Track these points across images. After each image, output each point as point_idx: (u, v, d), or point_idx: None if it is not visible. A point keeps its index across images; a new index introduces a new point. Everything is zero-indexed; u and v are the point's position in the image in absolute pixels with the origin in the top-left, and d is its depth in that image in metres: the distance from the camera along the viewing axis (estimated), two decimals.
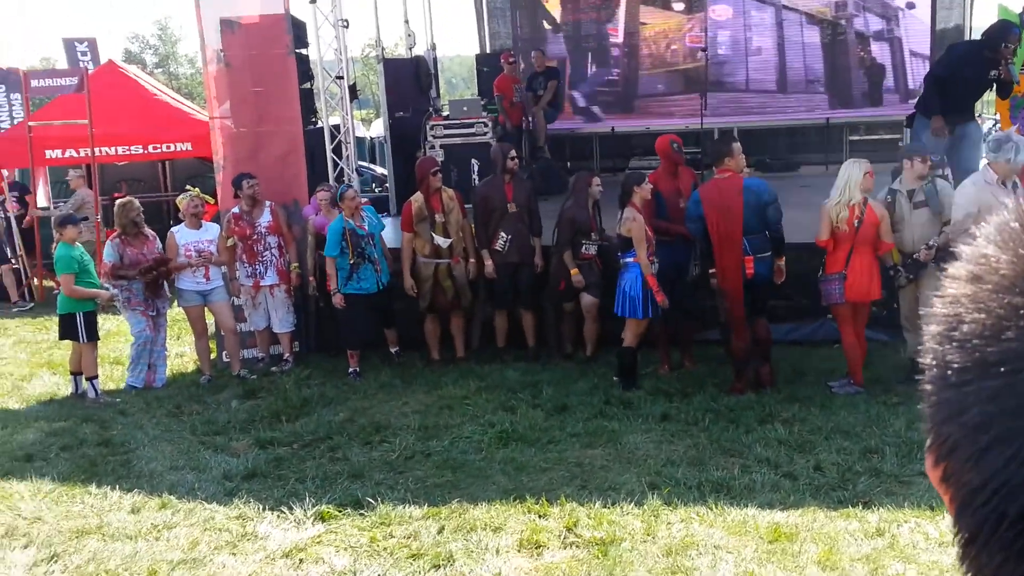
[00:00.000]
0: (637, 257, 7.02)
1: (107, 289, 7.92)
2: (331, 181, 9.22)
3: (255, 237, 8.28)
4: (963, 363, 0.50)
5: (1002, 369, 0.48)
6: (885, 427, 6.04)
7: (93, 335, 7.89)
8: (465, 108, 11.14)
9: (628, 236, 7.05)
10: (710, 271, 7.03)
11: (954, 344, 0.51)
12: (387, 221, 10.58)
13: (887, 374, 7.01)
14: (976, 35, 12.42)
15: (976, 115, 8.99)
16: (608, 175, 11.21)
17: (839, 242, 6.66)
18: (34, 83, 12.27)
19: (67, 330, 7.85)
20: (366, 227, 7.95)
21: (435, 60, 13.08)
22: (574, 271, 7.62)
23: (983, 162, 7.08)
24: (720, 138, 7.40)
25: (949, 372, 0.51)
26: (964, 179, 7.01)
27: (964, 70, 8.14)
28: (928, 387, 0.53)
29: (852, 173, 6.72)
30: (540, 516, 5.13)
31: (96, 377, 7.91)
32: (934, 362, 0.53)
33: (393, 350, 8.31)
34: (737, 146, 7.07)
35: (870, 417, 6.25)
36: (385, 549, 4.89)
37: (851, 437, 5.93)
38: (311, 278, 8.37)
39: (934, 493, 0.74)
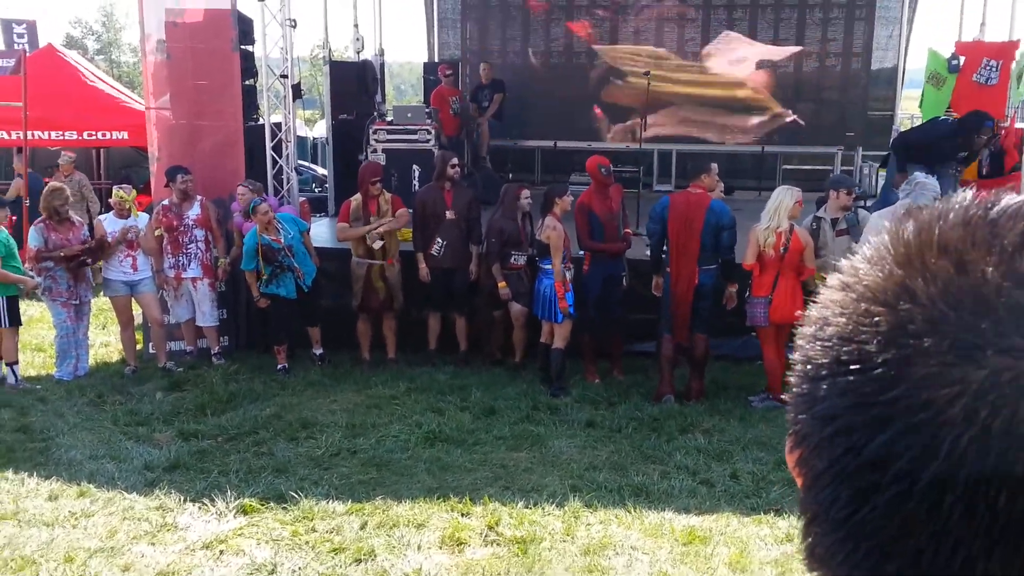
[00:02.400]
0: (552, 263, 7.24)
1: (32, 277, 7.77)
2: (269, 178, 9.20)
3: (182, 229, 8.21)
4: (822, 360, 0.55)
5: (851, 367, 0.53)
6: None
7: (15, 320, 7.74)
8: (409, 114, 11.19)
9: (547, 243, 7.26)
10: (654, 278, 7.27)
11: (818, 343, 0.56)
12: (324, 222, 10.59)
13: None
14: (909, 76, 12.96)
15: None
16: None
17: (766, 266, 6.90)
18: None
19: None
20: (282, 240, 7.87)
21: (382, 65, 13.11)
22: (501, 283, 7.74)
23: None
24: (698, 158, 7.75)
25: (810, 367, 0.56)
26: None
27: (935, 147, 8.46)
28: (793, 380, 0.58)
29: (784, 200, 6.95)
30: (463, 515, 5.20)
31: (16, 363, 7.75)
32: (801, 358, 0.58)
33: (317, 351, 8.29)
34: (714, 167, 7.41)
35: (786, 430, 6.44)
36: (307, 543, 4.91)
37: (767, 448, 6.12)
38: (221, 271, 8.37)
39: None
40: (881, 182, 11.10)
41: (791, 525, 4.94)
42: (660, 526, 4.98)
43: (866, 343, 0.53)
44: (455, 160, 8.34)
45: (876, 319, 0.53)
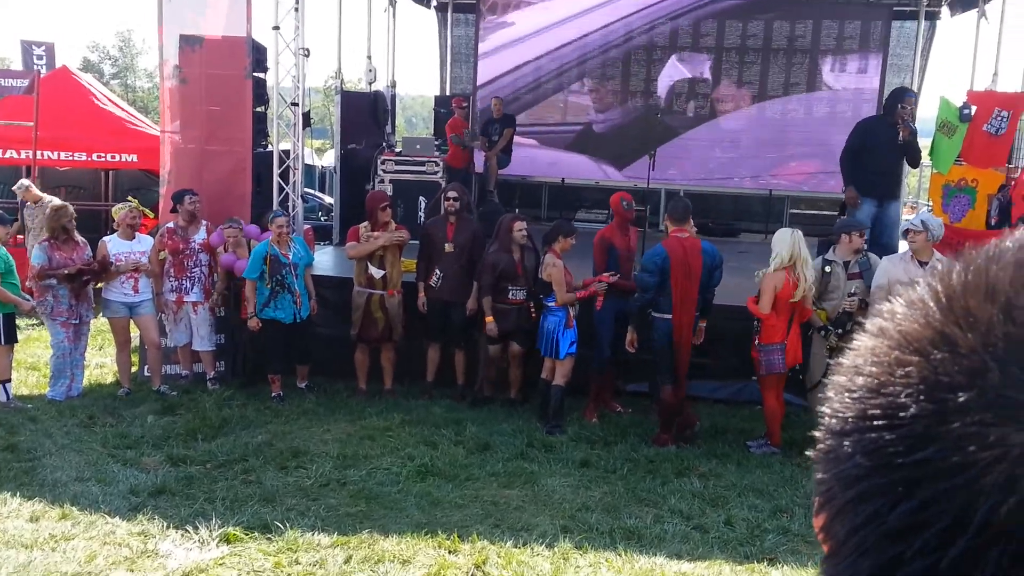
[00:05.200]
0: (557, 300, 7.15)
1: (27, 299, 7.71)
2: (275, 205, 9.18)
3: (187, 252, 8.20)
4: (849, 414, 0.51)
5: (878, 422, 0.48)
6: (797, 488, 6.13)
7: (11, 338, 7.70)
8: (418, 146, 11.22)
9: (548, 280, 7.19)
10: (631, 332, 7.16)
11: (846, 394, 0.52)
12: (328, 250, 10.57)
13: (802, 437, 7.13)
14: (921, 126, 12.95)
15: (899, 197, 9.39)
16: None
17: (779, 312, 6.76)
18: None
19: None
20: (290, 256, 7.88)
21: (394, 97, 13.17)
22: (488, 318, 7.61)
23: (903, 242, 7.38)
24: (679, 198, 7.62)
25: (836, 421, 0.52)
26: (878, 254, 7.30)
27: (870, 139, 8.72)
28: (820, 434, 0.54)
29: (796, 241, 6.85)
30: (450, 552, 5.09)
31: (8, 381, 7.70)
32: (828, 410, 0.53)
33: (302, 385, 8.20)
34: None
35: (784, 477, 6.33)
36: (289, 575, 4.80)
37: (764, 495, 6.00)
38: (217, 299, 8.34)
39: None
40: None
41: (784, 575, 4.81)
42: (651, 571, 4.86)
43: (896, 396, 0.47)
44: (451, 192, 8.28)
45: (908, 369, 0.48)
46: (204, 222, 8.31)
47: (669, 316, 6.96)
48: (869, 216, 8.50)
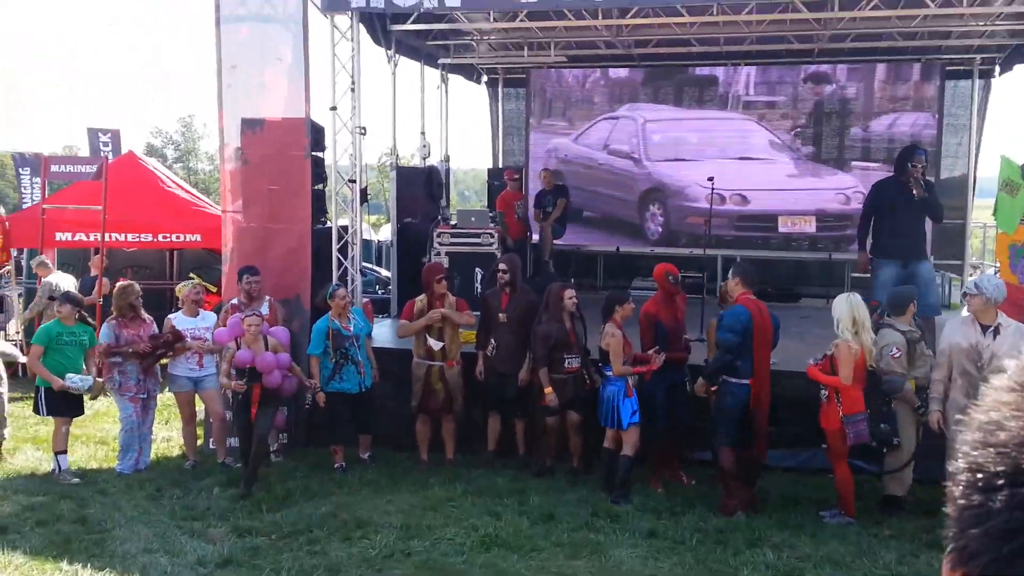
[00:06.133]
0: (613, 371, 7.10)
1: (63, 378, 7.73)
2: (335, 280, 9.33)
3: None
4: (996, 468, 0.50)
5: None
6: (875, 559, 5.92)
7: (56, 411, 7.86)
8: (473, 218, 11.37)
9: (607, 350, 7.15)
10: (711, 387, 7.08)
11: (989, 449, 0.51)
12: (386, 323, 10.67)
13: (875, 506, 6.93)
14: (980, 185, 12.80)
15: (926, 256, 9.25)
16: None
17: (856, 380, 6.63)
18: (54, 168, 12.52)
19: (35, 402, 7.89)
20: (351, 328, 7.99)
21: (447, 171, 13.41)
22: (548, 389, 7.54)
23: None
24: (747, 262, 7.63)
25: (980, 477, 0.51)
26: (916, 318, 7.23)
27: (885, 201, 8.66)
28: (956, 491, 0.53)
29: (854, 306, 6.75)
30: None
31: (63, 452, 7.84)
32: (966, 467, 0.52)
33: (365, 455, 8.22)
34: None
35: (860, 548, 6.12)
36: None
37: (841, 567, 5.80)
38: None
39: None
40: (955, 291, 10.93)
41: None
42: None
43: None
44: (501, 264, 8.34)
45: None
46: (267, 297, 8.45)
47: (747, 382, 6.87)
48: (892, 279, 8.37)
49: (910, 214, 8.61)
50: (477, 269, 10.83)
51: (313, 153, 9.36)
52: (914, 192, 8.44)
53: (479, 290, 10.26)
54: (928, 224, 9.38)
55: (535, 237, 12.41)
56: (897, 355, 6.75)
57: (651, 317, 7.49)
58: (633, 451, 7.19)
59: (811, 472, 7.69)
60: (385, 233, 19.18)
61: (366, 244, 13.73)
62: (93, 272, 12.50)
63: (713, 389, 7.17)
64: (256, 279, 8.38)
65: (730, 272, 7.25)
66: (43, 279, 11.87)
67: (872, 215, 8.80)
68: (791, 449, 7.94)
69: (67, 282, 11.71)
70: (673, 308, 7.60)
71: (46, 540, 6.20)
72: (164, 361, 8.47)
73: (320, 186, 9.69)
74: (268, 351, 7.50)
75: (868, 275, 9.05)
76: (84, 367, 7.98)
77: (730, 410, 6.90)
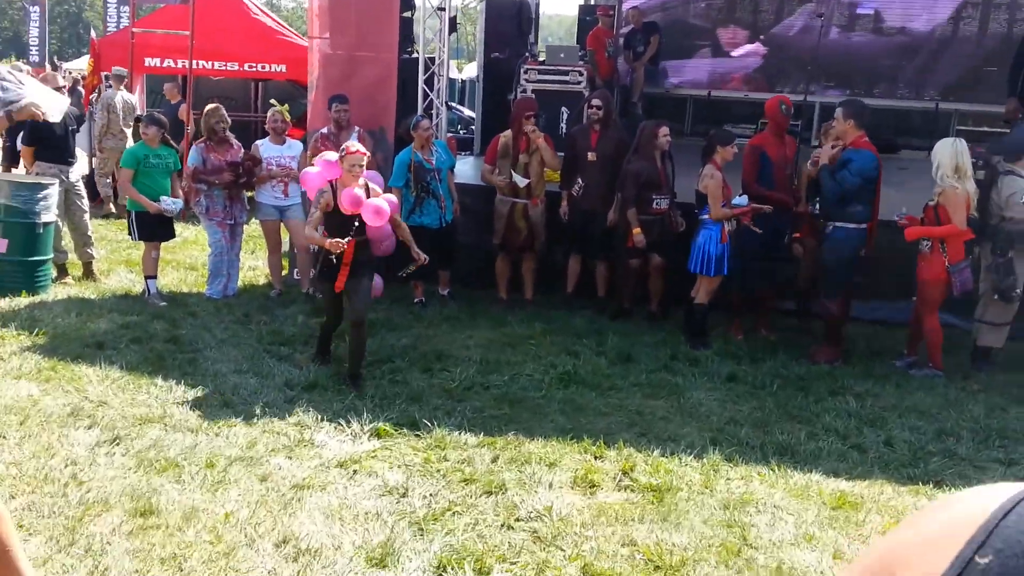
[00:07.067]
0: (711, 214, 6.87)
1: (161, 200, 7.86)
2: (419, 111, 9.17)
3: None
4: None
5: None
6: (962, 411, 5.80)
7: (148, 235, 7.96)
8: (562, 55, 10.95)
9: (704, 192, 6.91)
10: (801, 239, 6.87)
11: None
12: (469, 160, 10.54)
13: (965, 360, 6.76)
14: None
15: None
16: (699, 140, 11.01)
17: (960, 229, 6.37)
18: None
19: (129, 226, 8.05)
20: (433, 162, 7.87)
21: (538, 5, 12.86)
22: (636, 229, 7.37)
23: None
24: (856, 100, 7.16)
25: None
26: None
27: None
28: None
29: (960, 151, 6.41)
30: (596, 457, 5.05)
31: (153, 277, 8.02)
32: None
33: (444, 292, 8.25)
34: None
35: (947, 400, 6.00)
36: (438, 471, 4.86)
37: (926, 417, 5.70)
38: None
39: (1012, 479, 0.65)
40: None
41: None
42: (807, 487, 4.69)
43: None
44: (595, 100, 8.05)
45: None
46: (356, 128, 8.35)
47: (865, 226, 6.62)
48: None
49: None
50: (563, 108, 10.51)
51: None
52: None
53: (564, 130, 10.00)
54: None
55: (624, 79, 11.96)
56: None
57: (756, 149, 7.18)
58: (707, 298, 7.06)
59: (897, 325, 7.50)
60: (467, 72, 18.78)
61: (450, 83, 13.44)
62: (172, 100, 12.56)
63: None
64: (345, 107, 8.27)
65: (839, 112, 6.78)
66: (103, 94, 11.96)
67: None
68: (882, 301, 7.73)
69: (128, 100, 11.81)
70: (783, 146, 7.26)
71: (140, 357, 6.44)
72: (250, 193, 8.55)
73: (408, 13, 9.40)
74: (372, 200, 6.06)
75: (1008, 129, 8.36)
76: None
77: (844, 257, 6.68)
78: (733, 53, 12.94)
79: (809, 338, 7.23)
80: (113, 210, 11.79)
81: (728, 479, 4.78)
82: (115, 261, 9.36)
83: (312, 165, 7.98)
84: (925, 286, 6.54)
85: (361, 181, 6.03)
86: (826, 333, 6.91)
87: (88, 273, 8.60)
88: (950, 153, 6.41)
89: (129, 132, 11.71)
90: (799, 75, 12.26)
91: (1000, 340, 6.70)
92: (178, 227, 9.23)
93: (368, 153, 6.21)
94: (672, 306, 7.72)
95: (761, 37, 12.73)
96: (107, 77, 12.36)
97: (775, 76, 12.63)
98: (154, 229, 7.99)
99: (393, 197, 6.34)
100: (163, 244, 8.26)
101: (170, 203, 7.91)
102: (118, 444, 5.01)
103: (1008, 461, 5.15)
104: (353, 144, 6.11)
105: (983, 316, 6.73)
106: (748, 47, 12.82)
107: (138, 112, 11.74)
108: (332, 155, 6.15)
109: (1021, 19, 11.61)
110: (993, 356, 6.74)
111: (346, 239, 5.91)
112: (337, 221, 5.97)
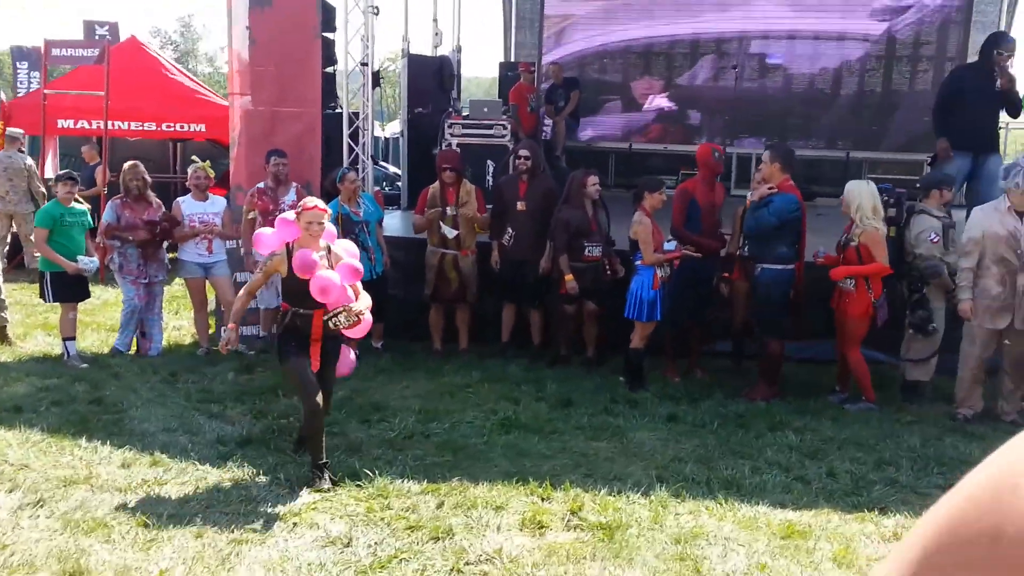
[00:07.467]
0: (644, 259, 6.95)
1: (78, 260, 7.64)
2: (345, 165, 9.12)
3: (277, 213, 8.13)
4: None
5: None
6: (899, 442, 5.91)
7: (62, 296, 7.72)
8: (485, 109, 11.06)
9: (635, 238, 7.00)
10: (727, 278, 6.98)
11: None
12: (397, 214, 10.50)
13: (895, 394, 6.94)
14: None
15: (997, 150, 8.93)
16: (622, 191, 11.20)
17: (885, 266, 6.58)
18: (54, 52, 12.09)
19: (41, 288, 7.77)
20: (361, 213, 7.81)
21: (459, 62, 13.03)
22: (568, 276, 7.42)
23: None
24: (781, 143, 7.31)
25: None
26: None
27: (964, 87, 8.21)
28: None
29: (873, 192, 6.71)
30: (543, 499, 4.97)
31: (71, 338, 7.74)
32: None
33: (377, 344, 8.13)
34: None
35: (883, 432, 6.11)
36: (382, 519, 4.73)
37: (864, 448, 5.79)
38: None
39: None
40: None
41: (897, 524, 4.61)
42: (755, 519, 4.69)
43: None
44: (522, 151, 8.13)
45: None
46: (294, 184, 8.24)
47: (792, 267, 6.75)
48: (961, 170, 8.15)
49: (988, 105, 8.25)
50: (488, 161, 10.58)
51: (323, 34, 9.05)
52: (998, 81, 8.07)
53: (490, 182, 10.05)
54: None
55: (547, 134, 12.14)
56: (936, 240, 6.66)
57: (686, 194, 7.29)
58: (642, 343, 7.11)
59: (825, 363, 7.65)
60: (391, 129, 18.88)
61: (374, 140, 13.45)
62: (90, 162, 12.27)
63: (728, 276, 7.11)
64: (284, 161, 8.15)
65: (766, 155, 6.96)
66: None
67: (949, 103, 8.34)
68: (808, 341, 7.88)
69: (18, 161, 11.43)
70: (712, 192, 7.40)
71: (62, 419, 6.15)
72: (172, 256, 8.33)
73: (330, 69, 9.40)
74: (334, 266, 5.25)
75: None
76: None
77: (776, 297, 6.78)
78: (647, 106, 13.26)
79: (743, 379, 7.31)
80: None
81: (677, 514, 4.75)
82: (31, 325, 8.99)
83: (247, 220, 7.89)
84: (851, 321, 6.70)
85: (322, 243, 5.25)
86: (761, 372, 7.00)
87: (2, 337, 8.23)
88: (868, 194, 6.66)
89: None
90: (716, 126, 12.66)
91: (927, 374, 6.89)
92: (97, 289, 8.97)
93: (329, 210, 5.43)
94: (609, 352, 7.74)
95: (675, 88, 13.09)
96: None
97: (692, 128, 12.99)
98: (69, 289, 7.72)
99: (358, 265, 5.40)
100: (82, 306, 7.98)
101: (87, 262, 7.67)
102: (42, 506, 4.76)
103: (949, 487, 5.17)
104: (311, 200, 5.35)
105: (907, 354, 6.93)
106: (663, 100, 13.17)
107: (48, 174, 11.42)
108: (291, 214, 5.37)
109: (921, 71, 12.22)
110: (922, 389, 6.92)
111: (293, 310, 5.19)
112: (296, 287, 5.15)
